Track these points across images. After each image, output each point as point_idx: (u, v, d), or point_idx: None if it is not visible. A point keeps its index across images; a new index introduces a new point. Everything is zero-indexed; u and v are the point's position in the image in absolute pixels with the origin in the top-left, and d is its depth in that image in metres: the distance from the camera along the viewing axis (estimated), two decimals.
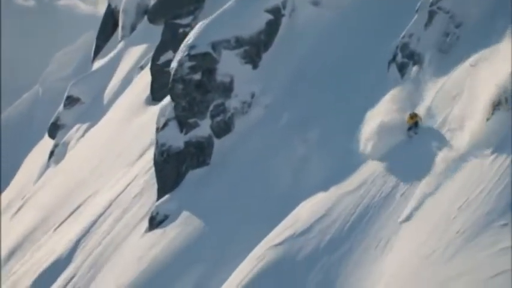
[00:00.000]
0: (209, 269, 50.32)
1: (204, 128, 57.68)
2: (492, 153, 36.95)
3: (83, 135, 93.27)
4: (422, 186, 39.49)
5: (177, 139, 58.25)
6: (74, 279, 59.52)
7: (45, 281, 62.09)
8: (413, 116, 42.69)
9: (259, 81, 57.58)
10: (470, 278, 32.16)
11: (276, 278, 42.55)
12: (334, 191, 45.29)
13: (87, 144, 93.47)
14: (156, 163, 58.98)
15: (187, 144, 57.81)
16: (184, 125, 57.94)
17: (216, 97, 57.75)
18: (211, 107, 57.60)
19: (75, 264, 61.16)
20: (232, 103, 57.54)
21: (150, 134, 71.04)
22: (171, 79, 58.85)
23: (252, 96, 57.27)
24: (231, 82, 57.64)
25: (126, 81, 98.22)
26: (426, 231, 37.11)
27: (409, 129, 42.93)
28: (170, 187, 57.70)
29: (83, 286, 58.31)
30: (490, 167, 36.43)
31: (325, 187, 46.83)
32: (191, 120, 57.79)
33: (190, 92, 57.98)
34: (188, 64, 57.52)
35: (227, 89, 57.66)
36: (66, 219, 77.68)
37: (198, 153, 57.55)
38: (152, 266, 53.27)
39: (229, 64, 57.74)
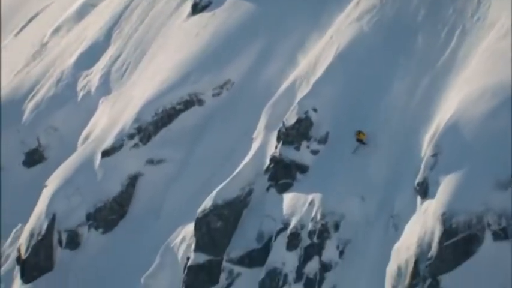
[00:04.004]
0: (271, 42, 52.57)
1: None
2: None
3: None
4: None
5: None
6: (122, 57, 60.06)
7: (86, 61, 61.91)
8: (361, 133, 40.64)
9: None
10: None
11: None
12: None
13: None
14: None
15: None
16: None
17: None
18: None
19: (115, 46, 61.42)
20: None
21: None
22: None
23: None
24: None
25: None
26: None
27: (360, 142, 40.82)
28: None
29: (133, 62, 59.01)
30: None
31: None
32: None
33: None
34: None
35: None
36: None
37: None
38: (211, 41, 54.81)
39: None
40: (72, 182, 50.83)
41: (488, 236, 33.84)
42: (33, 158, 57.02)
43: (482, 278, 33.44)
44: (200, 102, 52.00)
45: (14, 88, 62.27)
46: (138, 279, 45.89)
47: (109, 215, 50.02)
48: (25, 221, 52.44)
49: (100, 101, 57.36)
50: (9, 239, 52.63)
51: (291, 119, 43.10)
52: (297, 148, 42.61)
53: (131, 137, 51.45)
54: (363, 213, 38.85)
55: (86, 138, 55.32)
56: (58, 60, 63.70)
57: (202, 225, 43.07)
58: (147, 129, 51.42)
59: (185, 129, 51.35)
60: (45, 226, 49.42)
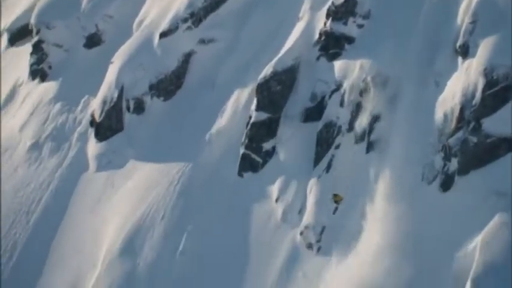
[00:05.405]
0: None
1: None
2: None
3: None
4: None
5: None
6: None
7: None
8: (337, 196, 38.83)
9: None
10: None
11: None
12: None
13: None
14: None
15: None
16: None
17: None
18: None
19: None
20: None
21: None
22: None
23: None
24: None
25: None
26: None
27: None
28: None
29: None
30: None
31: None
32: None
33: None
34: None
35: None
36: None
37: None
38: None
39: None
40: (136, 59, 51.93)
41: None
42: (93, 41, 57.72)
43: None
44: None
45: None
46: (199, 137, 47.50)
47: (168, 85, 51.49)
48: (90, 92, 53.67)
49: None
50: (79, 107, 53.71)
51: None
52: (345, 23, 44.13)
53: (185, 20, 52.52)
54: (406, 74, 40.61)
55: (139, 24, 56.00)
56: None
57: (263, 89, 44.75)
58: (198, 13, 52.52)
59: (232, 14, 52.59)
60: (116, 94, 50.66)
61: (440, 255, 35.53)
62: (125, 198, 46.71)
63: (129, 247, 43.94)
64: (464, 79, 37.42)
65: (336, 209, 39.30)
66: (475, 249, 33.54)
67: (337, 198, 38.93)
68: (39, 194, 48.91)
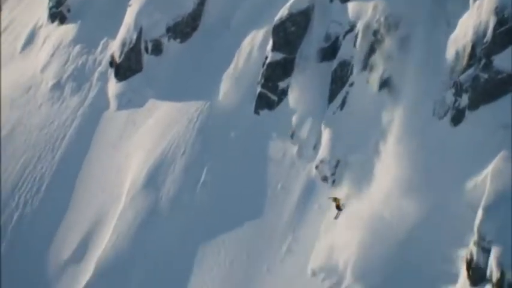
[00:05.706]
0: None
1: None
2: None
3: None
4: None
5: None
6: None
7: None
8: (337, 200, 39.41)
9: None
10: None
11: None
12: None
13: None
14: None
15: None
16: None
17: None
18: None
19: None
20: None
21: None
22: None
23: None
24: None
25: None
26: None
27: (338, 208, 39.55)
28: None
29: None
30: None
31: None
32: None
33: None
34: None
35: None
36: None
37: None
38: None
39: None
40: (153, 2, 52.29)
41: None
42: None
43: None
44: None
45: None
46: (216, 77, 48.16)
47: (184, 28, 51.89)
48: (108, 35, 54.12)
49: None
50: (99, 49, 54.22)
51: None
52: None
53: None
54: (418, 14, 41.03)
55: None
56: None
57: (279, 30, 45.21)
58: None
59: None
60: (134, 36, 51.21)
61: (452, 187, 36.45)
62: (146, 135, 47.60)
63: (152, 181, 44.97)
64: (475, 18, 37.91)
65: (338, 214, 39.84)
66: (486, 179, 34.45)
67: (337, 202, 39.63)
68: (63, 132, 49.80)
